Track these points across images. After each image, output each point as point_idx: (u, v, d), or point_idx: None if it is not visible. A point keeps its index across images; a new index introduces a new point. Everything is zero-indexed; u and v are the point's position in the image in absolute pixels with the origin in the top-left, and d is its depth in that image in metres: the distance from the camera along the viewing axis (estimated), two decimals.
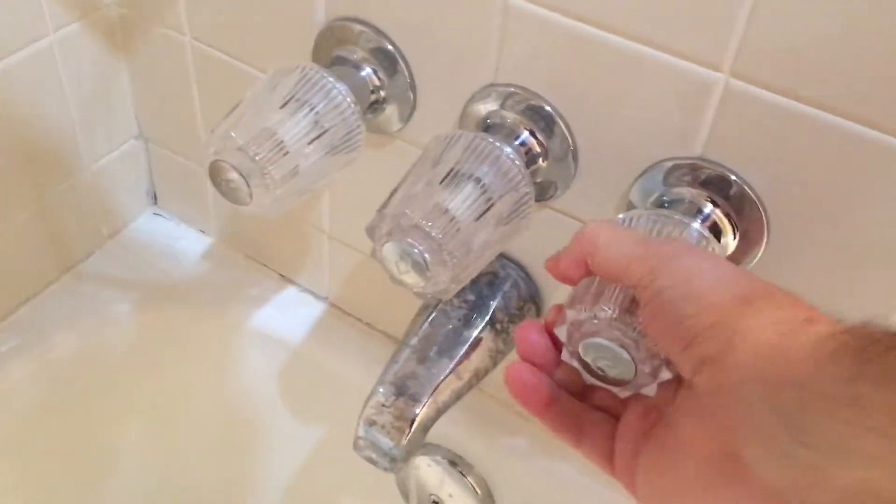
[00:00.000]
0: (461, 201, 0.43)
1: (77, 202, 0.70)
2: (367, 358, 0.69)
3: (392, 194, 0.45)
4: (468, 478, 0.67)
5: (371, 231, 0.43)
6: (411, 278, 0.43)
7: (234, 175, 0.45)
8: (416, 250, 0.41)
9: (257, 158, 0.45)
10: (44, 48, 0.60)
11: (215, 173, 0.46)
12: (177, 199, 0.77)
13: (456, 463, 0.67)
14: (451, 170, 0.44)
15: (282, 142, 0.47)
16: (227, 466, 0.80)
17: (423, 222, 0.41)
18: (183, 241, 0.77)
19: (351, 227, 0.65)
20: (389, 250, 0.42)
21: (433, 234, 0.41)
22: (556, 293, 0.56)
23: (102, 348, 0.71)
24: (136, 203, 0.77)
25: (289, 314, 0.72)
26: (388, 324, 0.69)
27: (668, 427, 0.32)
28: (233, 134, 0.46)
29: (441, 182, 0.43)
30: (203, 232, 0.77)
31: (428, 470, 0.68)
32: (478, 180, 0.44)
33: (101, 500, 0.77)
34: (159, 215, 0.78)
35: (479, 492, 0.66)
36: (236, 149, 0.45)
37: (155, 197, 0.78)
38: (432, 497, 0.69)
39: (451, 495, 0.68)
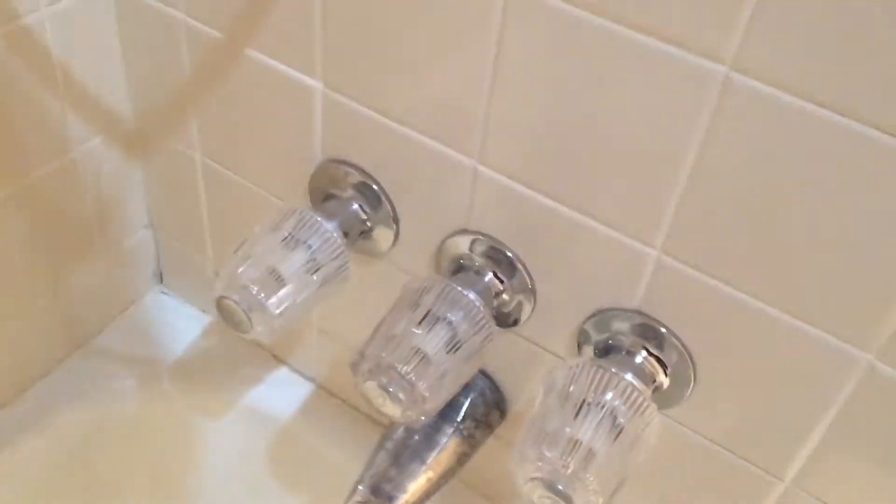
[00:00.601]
0: (435, 342, 0.50)
1: (90, 284, 0.77)
2: (350, 438, 0.76)
3: (374, 333, 0.52)
4: None
5: (354, 368, 0.50)
6: (389, 410, 0.50)
7: (237, 309, 0.53)
8: (391, 389, 0.49)
9: (259, 297, 0.52)
10: (68, 161, 0.67)
11: (221, 308, 0.53)
12: (180, 280, 0.84)
13: None
14: (427, 313, 0.51)
15: (281, 277, 0.54)
16: None
17: (399, 365, 0.49)
18: (185, 319, 0.84)
19: (339, 324, 0.72)
20: (370, 387, 0.49)
21: (408, 376, 0.48)
22: (519, 399, 0.63)
23: (108, 422, 0.77)
24: (144, 282, 0.84)
25: (279, 392, 0.79)
26: (372, 407, 0.76)
27: None
28: (238, 272, 0.53)
29: (417, 325, 0.50)
30: (204, 311, 0.84)
31: None
32: (449, 322, 0.51)
33: None
34: (165, 293, 0.85)
35: None
36: (240, 287, 0.52)
37: (161, 277, 0.85)
38: None
39: None
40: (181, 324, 0.83)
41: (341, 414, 0.78)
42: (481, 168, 0.52)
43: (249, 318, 0.53)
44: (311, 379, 0.80)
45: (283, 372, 0.80)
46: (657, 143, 0.44)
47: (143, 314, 0.84)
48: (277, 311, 0.53)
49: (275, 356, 0.81)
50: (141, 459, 0.81)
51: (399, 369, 0.48)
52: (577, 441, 0.46)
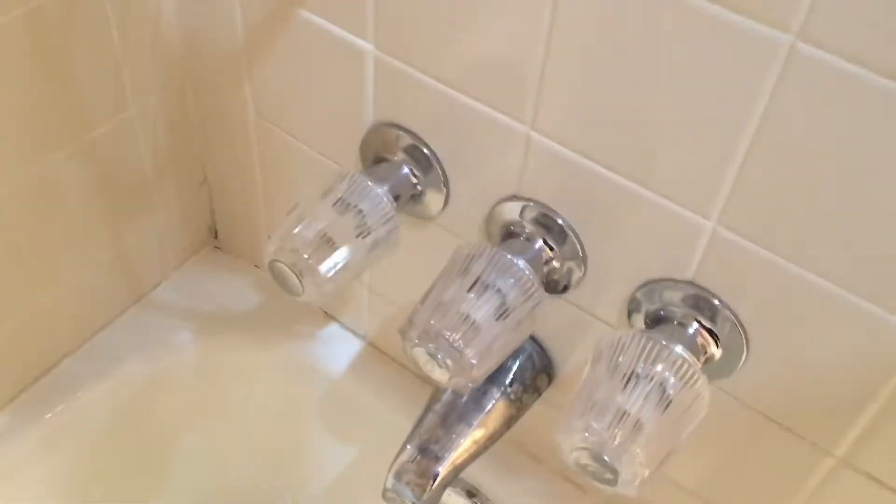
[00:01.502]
0: (484, 309, 0.50)
1: (148, 239, 0.79)
2: (400, 395, 0.77)
3: (424, 298, 0.52)
4: None
5: (403, 334, 0.51)
6: (437, 376, 0.50)
7: (289, 272, 0.53)
8: (439, 356, 0.49)
9: (310, 262, 0.53)
10: (126, 118, 0.68)
11: (273, 271, 0.54)
12: (234, 237, 0.85)
13: (473, 494, 0.75)
14: (477, 280, 0.51)
15: (332, 240, 0.54)
16: (270, 476, 0.89)
17: (448, 332, 0.49)
18: (238, 274, 0.85)
19: (388, 285, 0.73)
20: (419, 353, 0.50)
21: (456, 343, 0.49)
22: (566, 365, 0.63)
23: (166, 373, 0.80)
24: (198, 238, 0.86)
25: (330, 349, 0.81)
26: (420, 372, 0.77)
27: None
28: (290, 236, 0.53)
29: (468, 291, 0.51)
30: (257, 266, 0.85)
31: (448, 499, 0.76)
32: (498, 290, 0.51)
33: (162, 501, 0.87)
34: (219, 249, 0.87)
35: None
36: (292, 251, 0.53)
37: (216, 233, 0.86)
38: None
39: None
40: (235, 279, 0.85)
41: (390, 371, 0.79)
42: (534, 134, 0.51)
43: (301, 282, 0.53)
44: (361, 336, 0.81)
45: (334, 328, 0.82)
46: (718, 112, 0.43)
47: (198, 269, 0.85)
48: (328, 276, 0.53)
49: (326, 313, 0.82)
50: (198, 410, 0.84)
51: (447, 336, 0.49)
52: (624, 412, 0.46)
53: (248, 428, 0.85)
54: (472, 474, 0.74)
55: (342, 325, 0.82)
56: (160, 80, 0.69)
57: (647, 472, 0.45)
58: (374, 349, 0.80)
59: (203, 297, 0.83)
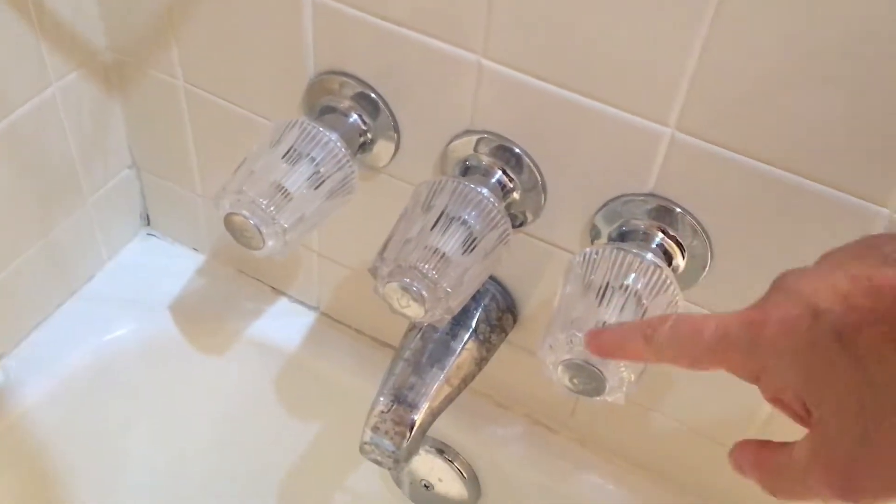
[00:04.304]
0: (451, 242, 0.50)
1: (79, 231, 0.75)
2: (358, 361, 0.76)
3: (389, 238, 0.51)
4: (455, 463, 0.74)
5: (374, 271, 0.50)
6: (412, 311, 0.50)
7: (248, 225, 0.52)
8: (414, 288, 0.48)
9: (269, 210, 0.51)
10: (47, 98, 0.65)
11: (230, 225, 0.52)
12: (169, 220, 0.82)
13: (443, 451, 0.74)
14: (441, 214, 0.51)
15: (287, 191, 0.53)
16: (228, 463, 0.87)
17: (420, 264, 0.48)
18: (177, 259, 0.82)
19: (339, 247, 0.71)
20: (392, 288, 0.49)
21: (430, 274, 0.48)
22: (529, 303, 0.64)
23: (110, 365, 0.76)
24: (131, 226, 0.82)
25: (282, 323, 0.79)
26: (377, 329, 0.76)
27: None
28: (244, 188, 0.52)
29: (433, 227, 0.50)
30: (196, 249, 0.83)
31: (418, 458, 0.75)
32: (464, 222, 0.51)
33: (114, 499, 0.83)
34: (153, 235, 0.84)
35: (465, 475, 0.74)
36: (249, 202, 0.51)
37: (148, 219, 0.83)
38: (423, 482, 0.77)
39: (440, 479, 0.76)
40: (174, 264, 0.82)
41: (346, 339, 0.78)
42: (485, 62, 0.51)
43: (261, 233, 0.52)
44: (312, 308, 0.79)
45: (283, 303, 0.80)
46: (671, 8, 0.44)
47: (133, 256, 0.82)
48: (287, 224, 0.52)
49: (273, 288, 0.80)
50: (148, 401, 0.80)
51: (420, 268, 0.48)
52: (604, 322, 0.46)
53: (203, 414, 0.82)
54: (440, 430, 0.74)
55: (292, 298, 0.80)
56: (80, 52, 0.66)
57: (633, 377, 0.46)
58: (327, 318, 0.79)
59: (142, 285, 0.80)
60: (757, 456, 0.36)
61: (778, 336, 0.32)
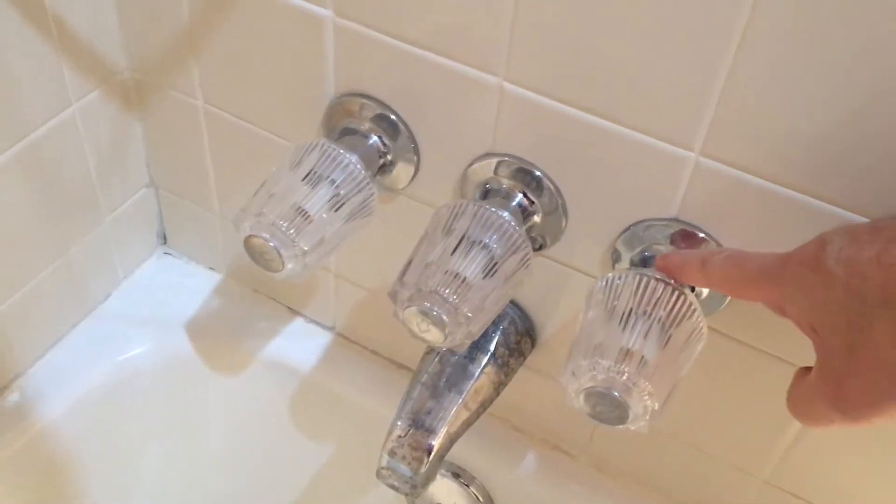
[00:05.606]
0: (472, 266, 0.49)
1: (96, 250, 0.75)
2: (374, 382, 0.76)
3: (409, 262, 0.51)
4: (471, 487, 0.73)
5: (393, 295, 0.50)
6: (432, 336, 0.49)
7: (267, 247, 0.51)
8: (435, 312, 0.48)
9: (289, 233, 0.51)
10: (67, 117, 0.65)
11: (250, 247, 0.52)
12: (186, 239, 0.82)
13: (459, 475, 0.74)
14: (462, 237, 0.50)
15: (307, 214, 0.53)
16: (242, 483, 0.86)
17: (441, 288, 0.48)
18: (193, 278, 0.82)
19: (356, 267, 0.71)
20: (412, 313, 0.49)
21: (450, 299, 0.48)
22: (548, 327, 0.63)
23: (126, 384, 0.76)
24: (148, 244, 0.82)
25: (297, 343, 0.78)
26: (393, 351, 0.76)
27: None
28: (265, 211, 0.52)
29: (454, 251, 0.50)
30: (212, 269, 0.82)
31: (434, 482, 0.74)
32: (485, 246, 0.50)
33: None
34: (169, 254, 0.84)
35: (481, 500, 0.73)
36: (269, 224, 0.51)
37: (165, 237, 0.83)
38: None
39: None
40: (190, 283, 0.82)
41: (362, 360, 0.77)
42: (507, 85, 0.51)
43: (281, 256, 0.51)
44: (328, 328, 0.79)
45: (299, 323, 0.79)
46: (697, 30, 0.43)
47: (149, 276, 0.82)
48: (307, 247, 0.52)
49: (290, 308, 0.80)
50: (163, 420, 0.80)
51: (441, 292, 0.48)
52: (628, 350, 0.46)
53: (218, 433, 0.82)
54: (456, 453, 0.73)
55: (308, 318, 0.79)
56: (101, 71, 0.66)
57: (657, 406, 0.45)
58: (343, 339, 0.78)
59: (158, 304, 0.80)
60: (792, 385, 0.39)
61: (795, 267, 0.37)
